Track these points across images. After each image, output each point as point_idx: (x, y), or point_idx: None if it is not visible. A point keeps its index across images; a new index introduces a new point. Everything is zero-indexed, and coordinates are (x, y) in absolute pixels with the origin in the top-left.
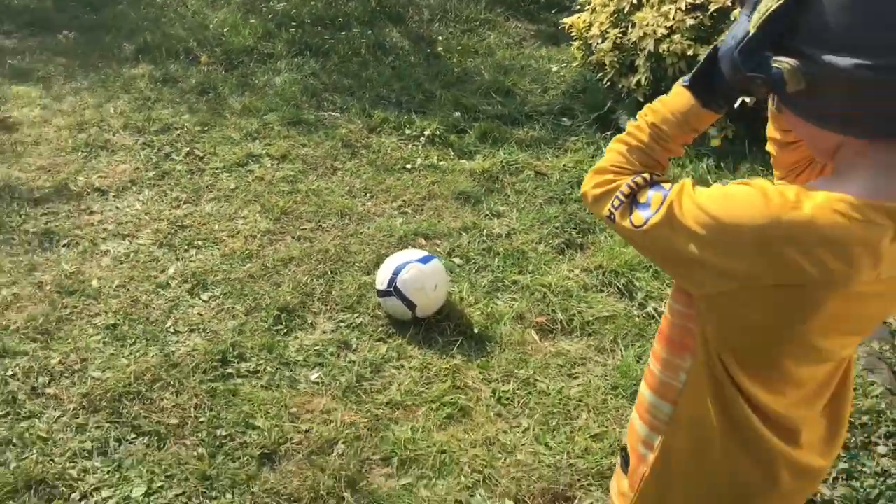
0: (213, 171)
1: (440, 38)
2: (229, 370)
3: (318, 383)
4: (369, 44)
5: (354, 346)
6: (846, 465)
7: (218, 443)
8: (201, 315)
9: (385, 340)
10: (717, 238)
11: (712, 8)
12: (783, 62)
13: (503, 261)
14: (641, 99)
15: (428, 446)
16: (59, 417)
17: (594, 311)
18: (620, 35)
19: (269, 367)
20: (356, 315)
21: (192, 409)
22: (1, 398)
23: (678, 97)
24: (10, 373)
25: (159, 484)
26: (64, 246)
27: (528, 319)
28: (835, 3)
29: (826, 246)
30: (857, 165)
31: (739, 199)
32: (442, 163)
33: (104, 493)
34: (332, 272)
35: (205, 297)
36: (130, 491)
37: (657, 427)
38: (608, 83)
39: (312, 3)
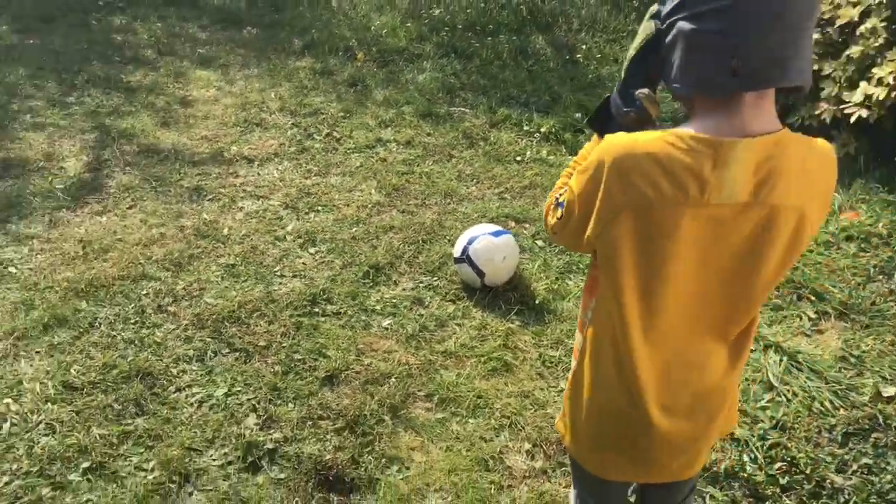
0: (346, 150)
1: (584, 46)
2: (316, 309)
3: (387, 329)
4: (512, 49)
5: (426, 303)
6: (870, 461)
7: (292, 364)
8: (304, 265)
9: (454, 301)
10: (591, 178)
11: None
12: (639, 94)
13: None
14: None
15: (468, 391)
16: (173, 329)
17: None
18: None
19: (349, 311)
20: (435, 278)
21: (278, 336)
22: (134, 310)
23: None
24: (144, 292)
25: (237, 389)
26: (208, 200)
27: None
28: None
29: (659, 170)
30: (696, 113)
31: (602, 145)
32: (551, 157)
33: (194, 390)
34: (423, 241)
35: (311, 251)
36: (214, 391)
37: (575, 355)
38: None
39: (468, 10)
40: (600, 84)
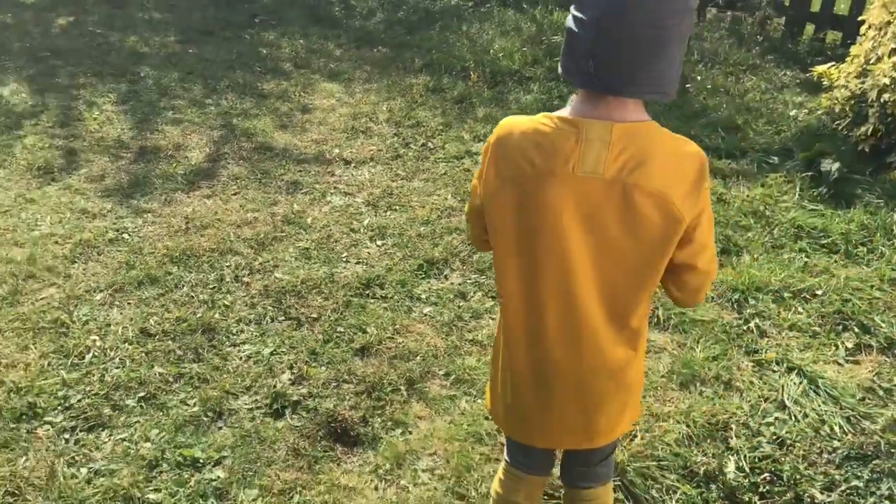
0: (435, 159)
1: (698, 77)
2: (368, 292)
3: (426, 315)
4: None
5: (468, 297)
6: (861, 484)
7: (334, 334)
8: (369, 254)
9: (495, 299)
10: (484, 158)
11: None
12: None
13: None
14: (867, 150)
15: (484, 374)
16: (242, 296)
17: (694, 315)
18: (860, 84)
19: (396, 297)
20: (483, 277)
21: (328, 311)
22: (215, 277)
23: None
24: (227, 264)
25: (282, 350)
26: (302, 193)
27: None
28: None
29: (529, 144)
30: (577, 100)
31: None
32: None
33: (245, 347)
34: None
35: (379, 243)
36: (262, 349)
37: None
38: (844, 132)
39: None
40: (703, 114)
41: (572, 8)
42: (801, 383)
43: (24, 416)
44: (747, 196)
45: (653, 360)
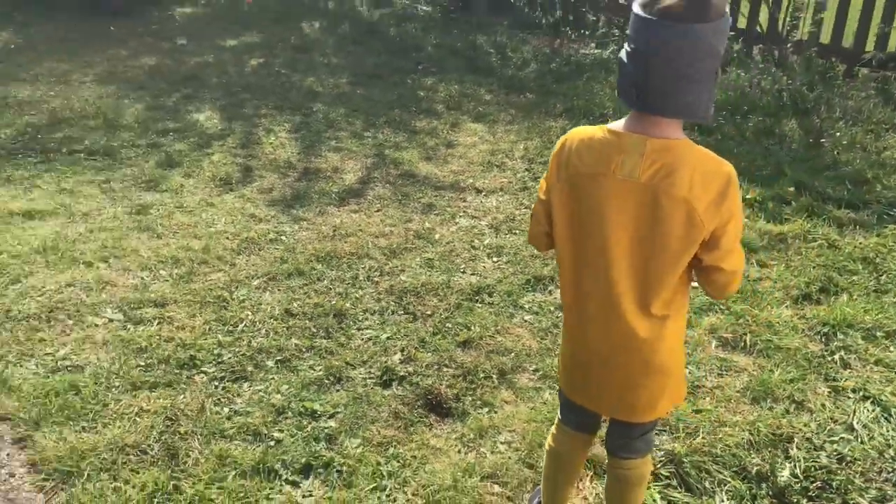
0: None
1: (837, 133)
2: (477, 297)
3: (527, 321)
4: (757, 128)
5: None
6: None
7: (443, 328)
8: (484, 268)
9: None
10: (551, 158)
11: None
12: None
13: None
14: None
15: None
16: (371, 292)
17: (780, 342)
18: None
19: (502, 304)
20: None
21: (441, 310)
22: (351, 275)
23: None
24: (363, 266)
25: (397, 336)
26: (434, 214)
27: (718, 332)
28: None
29: (584, 149)
30: (628, 115)
31: None
32: (743, 220)
33: (367, 331)
34: None
35: (494, 259)
36: (381, 334)
37: None
38: None
39: (729, 93)
40: (833, 167)
41: (625, 43)
42: (874, 410)
43: (185, 365)
44: (860, 244)
45: (731, 377)
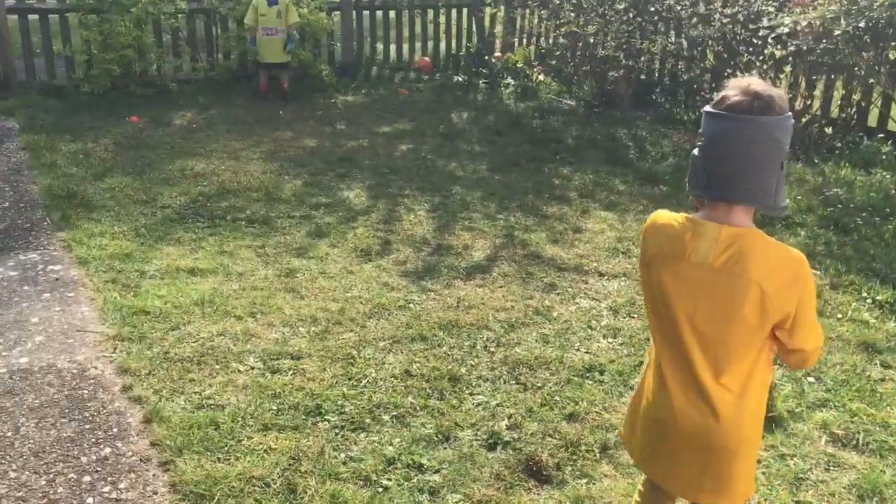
0: None
1: None
2: (588, 375)
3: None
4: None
5: None
6: None
7: (551, 400)
8: (598, 347)
9: None
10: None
11: None
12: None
13: (849, 391)
14: None
15: None
16: (486, 361)
17: (894, 443)
18: None
19: (612, 383)
20: None
21: (552, 383)
22: (469, 344)
23: None
24: (481, 336)
25: (506, 403)
26: (555, 293)
27: (830, 427)
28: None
29: (662, 235)
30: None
31: None
32: (871, 320)
33: (479, 397)
34: None
35: (610, 340)
36: (491, 400)
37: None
38: None
39: (871, 194)
40: None
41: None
42: None
43: (311, 412)
44: None
45: (838, 472)
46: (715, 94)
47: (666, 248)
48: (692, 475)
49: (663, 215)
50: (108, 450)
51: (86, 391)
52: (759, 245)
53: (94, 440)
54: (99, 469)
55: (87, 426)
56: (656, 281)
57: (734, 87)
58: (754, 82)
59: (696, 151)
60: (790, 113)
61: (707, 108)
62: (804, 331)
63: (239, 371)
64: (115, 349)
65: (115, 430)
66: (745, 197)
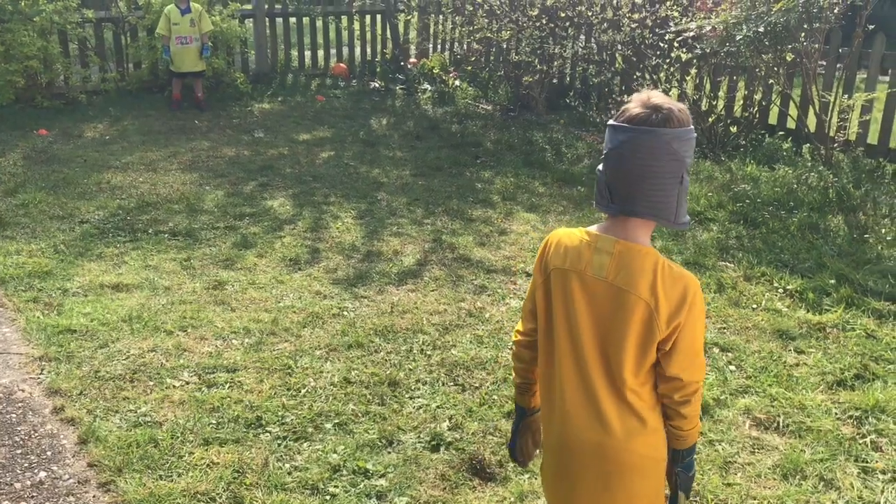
0: None
1: (882, 230)
2: None
3: None
4: (803, 223)
5: None
6: None
7: (489, 400)
8: None
9: None
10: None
11: None
12: None
13: (768, 377)
14: None
15: None
16: (423, 364)
17: (812, 423)
18: None
19: None
20: None
21: (489, 383)
22: (405, 348)
23: None
24: (416, 340)
25: (447, 405)
26: (486, 295)
27: (752, 412)
28: None
29: (563, 249)
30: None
31: None
32: (784, 309)
33: (419, 400)
34: None
35: None
36: (431, 403)
37: None
38: None
39: (776, 189)
40: (878, 261)
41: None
42: None
43: (252, 425)
44: None
45: (763, 454)
46: (625, 96)
47: (567, 263)
48: (591, 497)
49: (564, 232)
50: (43, 474)
51: (14, 415)
52: (650, 262)
53: (27, 464)
54: (35, 494)
55: (19, 451)
56: (556, 295)
57: (635, 101)
58: (655, 95)
59: (599, 167)
60: (692, 127)
61: (610, 121)
62: (683, 357)
63: (174, 387)
64: (42, 370)
65: (49, 452)
66: (644, 210)
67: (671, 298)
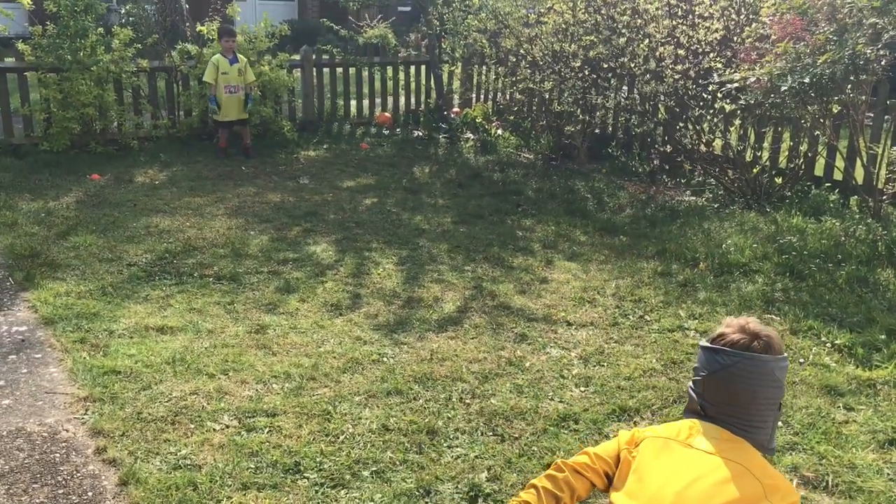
0: (649, 330)
1: None
2: (563, 424)
3: None
4: (851, 276)
5: None
6: None
7: (528, 451)
8: (571, 396)
9: None
10: None
11: None
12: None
13: (816, 433)
14: None
15: None
16: (462, 413)
17: (864, 484)
18: None
19: (587, 431)
20: None
21: (528, 433)
22: (444, 396)
23: None
24: (455, 388)
25: (485, 456)
26: (526, 343)
27: (800, 470)
28: None
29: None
30: None
31: None
32: (830, 363)
33: (458, 450)
34: (679, 400)
35: (582, 389)
36: (470, 452)
37: None
38: None
39: (823, 241)
40: None
41: (694, 373)
42: None
43: (290, 470)
44: None
45: None
46: (668, 147)
47: (663, 433)
48: None
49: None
50: None
51: (58, 455)
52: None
53: None
54: None
55: (61, 491)
56: (650, 459)
57: (731, 326)
58: (751, 321)
59: (692, 384)
60: (786, 354)
61: (703, 342)
62: None
63: (214, 430)
64: (86, 410)
65: (90, 493)
66: (742, 432)
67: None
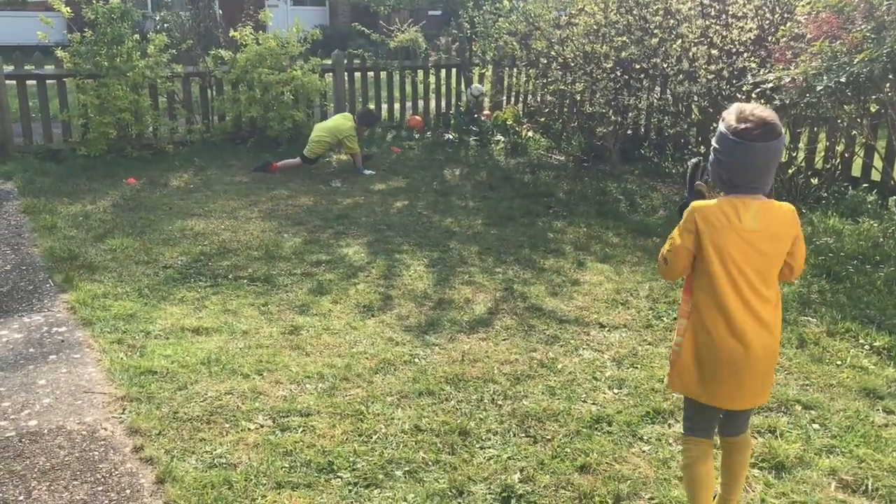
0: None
1: None
2: (596, 426)
3: (644, 452)
4: (888, 278)
5: None
6: None
7: (562, 453)
8: (605, 398)
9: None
10: (687, 223)
11: None
12: (698, 185)
13: (854, 437)
14: None
15: None
16: (494, 414)
17: None
18: None
19: (620, 433)
20: None
21: (561, 435)
22: (476, 397)
23: None
24: (487, 389)
25: (517, 457)
26: (558, 345)
27: (838, 473)
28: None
29: (717, 212)
30: (727, 193)
31: (689, 209)
32: (871, 367)
33: (490, 450)
34: None
35: (615, 391)
36: (502, 454)
37: (679, 332)
38: None
39: (861, 243)
40: None
41: (716, 153)
42: None
43: (324, 469)
44: None
45: None
46: (702, 147)
47: (721, 221)
48: (756, 386)
49: (707, 201)
50: None
51: (97, 453)
52: (777, 208)
53: (107, 502)
54: None
55: (100, 488)
56: (716, 247)
57: (746, 114)
58: (756, 108)
59: (713, 162)
60: (783, 131)
61: (724, 129)
62: (799, 255)
63: (249, 429)
64: (123, 410)
65: (127, 491)
66: (759, 191)
67: (795, 223)
